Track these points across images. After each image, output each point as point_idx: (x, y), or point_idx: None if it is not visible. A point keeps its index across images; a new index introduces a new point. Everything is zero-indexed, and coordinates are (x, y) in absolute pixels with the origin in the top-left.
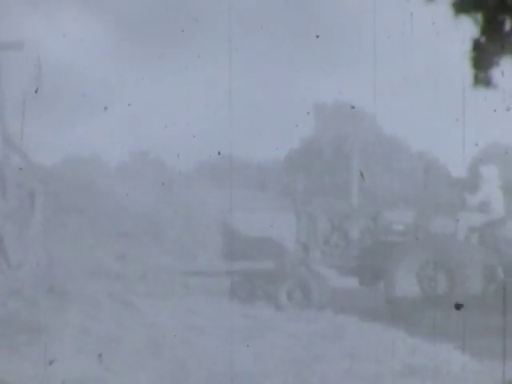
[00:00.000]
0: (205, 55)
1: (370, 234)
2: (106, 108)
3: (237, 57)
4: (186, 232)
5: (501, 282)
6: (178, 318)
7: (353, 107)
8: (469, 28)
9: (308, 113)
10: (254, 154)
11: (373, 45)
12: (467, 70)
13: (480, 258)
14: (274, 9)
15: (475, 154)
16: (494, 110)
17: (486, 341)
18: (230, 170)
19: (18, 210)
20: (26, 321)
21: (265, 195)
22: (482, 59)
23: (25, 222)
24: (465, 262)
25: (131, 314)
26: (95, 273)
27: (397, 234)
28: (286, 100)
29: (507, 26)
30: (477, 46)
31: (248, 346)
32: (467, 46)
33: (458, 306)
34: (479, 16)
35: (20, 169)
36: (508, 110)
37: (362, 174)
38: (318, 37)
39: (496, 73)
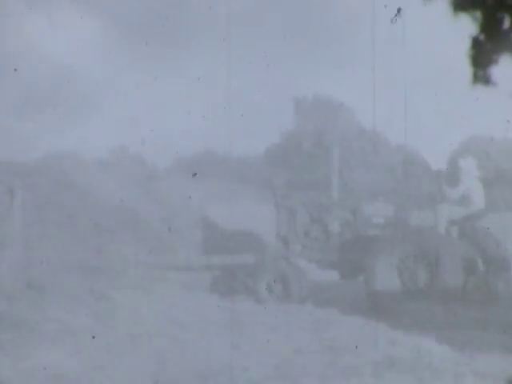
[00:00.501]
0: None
1: (349, 227)
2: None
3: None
4: (166, 226)
5: (481, 274)
6: (158, 312)
7: (341, 104)
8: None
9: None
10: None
11: (355, 42)
12: (447, 63)
13: (460, 251)
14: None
15: (454, 146)
16: (477, 99)
17: (466, 333)
18: (209, 164)
19: None
20: (4, 316)
21: (245, 188)
22: (481, 57)
23: (3, 218)
24: (445, 255)
25: (111, 308)
26: (75, 268)
27: (377, 227)
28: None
29: (506, 24)
30: (476, 44)
31: (228, 339)
32: (455, 41)
33: None
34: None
35: None
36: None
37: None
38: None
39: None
